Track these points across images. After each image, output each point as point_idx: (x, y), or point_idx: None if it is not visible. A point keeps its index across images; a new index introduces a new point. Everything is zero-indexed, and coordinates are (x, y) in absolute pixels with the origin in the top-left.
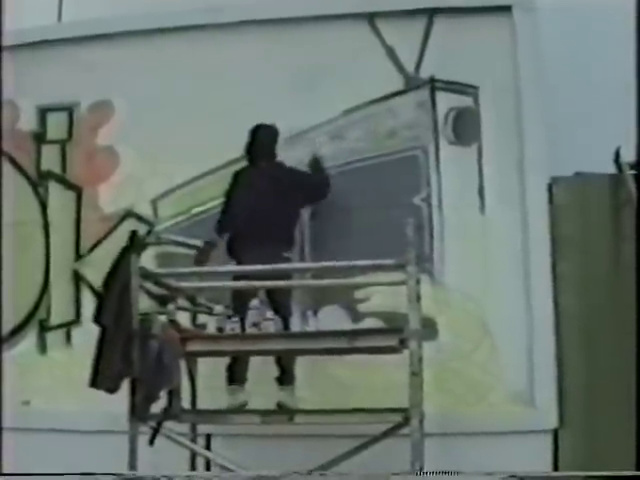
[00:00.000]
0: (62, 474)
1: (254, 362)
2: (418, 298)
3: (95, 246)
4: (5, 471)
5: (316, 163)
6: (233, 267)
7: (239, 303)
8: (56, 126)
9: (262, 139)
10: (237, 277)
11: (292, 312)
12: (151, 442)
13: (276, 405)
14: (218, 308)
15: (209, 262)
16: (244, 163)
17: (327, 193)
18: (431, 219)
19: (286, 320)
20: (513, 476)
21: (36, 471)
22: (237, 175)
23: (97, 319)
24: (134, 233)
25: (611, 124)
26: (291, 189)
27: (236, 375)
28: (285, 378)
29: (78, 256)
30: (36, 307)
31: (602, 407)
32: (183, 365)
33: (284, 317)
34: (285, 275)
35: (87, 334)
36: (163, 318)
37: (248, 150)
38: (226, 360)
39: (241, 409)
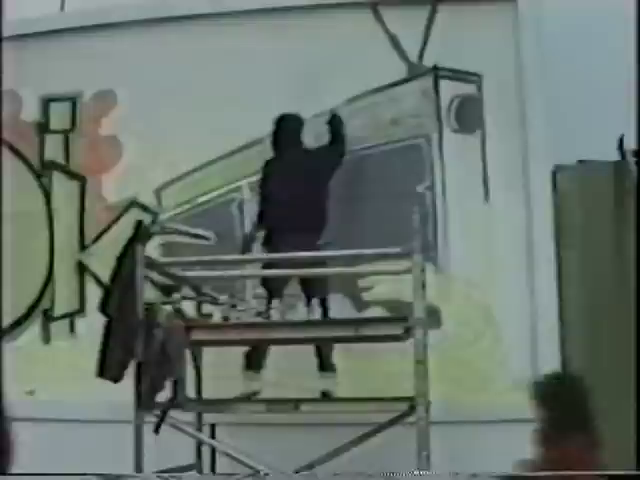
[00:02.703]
0: (62, 474)
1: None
2: (423, 286)
3: (99, 236)
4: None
5: (335, 120)
6: (237, 256)
7: (274, 288)
8: (59, 116)
9: (287, 129)
10: (269, 265)
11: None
12: (156, 431)
13: (320, 394)
14: (223, 297)
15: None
16: (248, 152)
17: (344, 153)
18: (435, 207)
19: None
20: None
21: (41, 461)
22: (266, 166)
23: (103, 309)
24: (139, 223)
25: (615, 111)
26: (316, 171)
27: (253, 361)
28: (326, 367)
29: (82, 246)
30: (40, 297)
31: (606, 396)
32: (188, 354)
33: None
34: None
35: (91, 324)
36: (168, 307)
37: (274, 141)
38: (232, 349)
39: (252, 396)
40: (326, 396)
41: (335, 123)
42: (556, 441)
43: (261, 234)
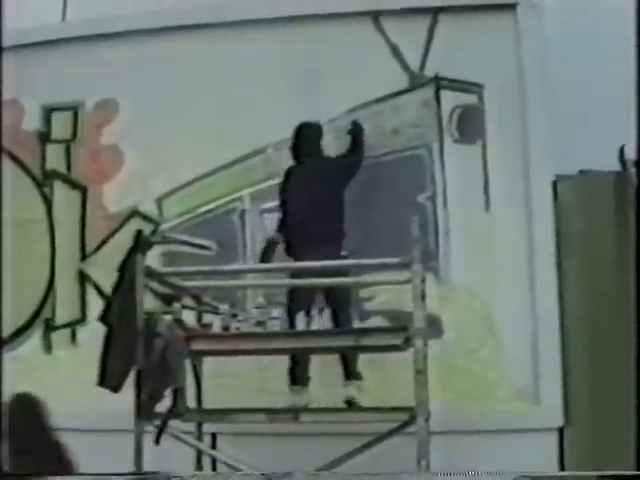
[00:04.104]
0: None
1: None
2: (423, 296)
3: (100, 245)
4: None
5: (356, 129)
6: (238, 266)
7: (299, 301)
8: (61, 125)
9: (306, 137)
10: (295, 275)
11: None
12: (157, 441)
13: (344, 401)
14: (223, 307)
15: (273, 260)
16: (249, 161)
17: (361, 161)
18: (436, 217)
19: (337, 317)
20: (525, 476)
21: None
22: (288, 174)
23: (103, 318)
24: (139, 232)
25: (616, 121)
26: (336, 179)
27: (298, 376)
28: (351, 374)
29: (83, 255)
30: (41, 306)
31: (608, 404)
32: (188, 364)
33: (335, 313)
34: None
35: (92, 333)
36: (168, 317)
37: (294, 148)
38: (232, 358)
39: (302, 410)
40: (349, 405)
41: (356, 132)
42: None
43: (281, 239)
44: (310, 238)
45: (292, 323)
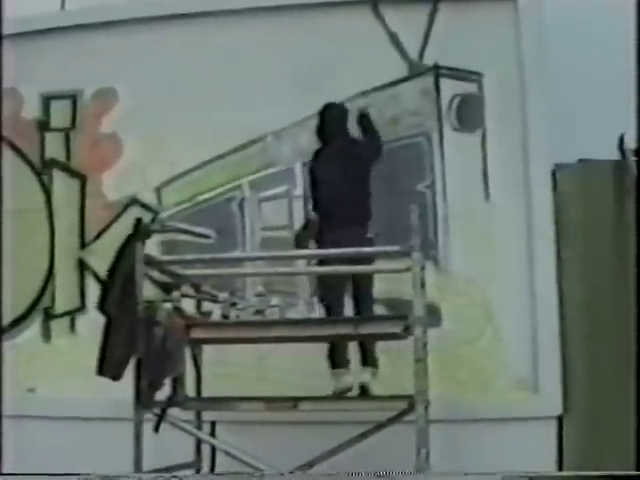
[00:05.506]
0: (63, 474)
1: None
2: (423, 284)
3: (99, 234)
4: (10, 459)
5: (364, 118)
6: (237, 254)
7: (327, 290)
8: (60, 114)
9: (332, 118)
10: (322, 262)
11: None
12: (156, 429)
13: (359, 386)
14: (223, 295)
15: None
16: (248, 149)
17: (382, 146)
18: (435, 206)
19: (358, 304)
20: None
21: (41, 458)
22: (315, 155)
23: (101, 307)
24: (139, 221)
25: (615, 110)
26: (362, 161)
27: (338, 359)
28: (368, 360)
29: (82, 244)
30: (41, 295)
31: (606, 392)
32: (188, 352)
33: (357, 299)
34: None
35: (92, 322)
36: (168, 306)
37: (319, 131)
38: (231, 347)
39: (346, 392)
40: (364, 390)
41: (365, 121)
42: None
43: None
44: (339, 219)
45: (328, 310)
